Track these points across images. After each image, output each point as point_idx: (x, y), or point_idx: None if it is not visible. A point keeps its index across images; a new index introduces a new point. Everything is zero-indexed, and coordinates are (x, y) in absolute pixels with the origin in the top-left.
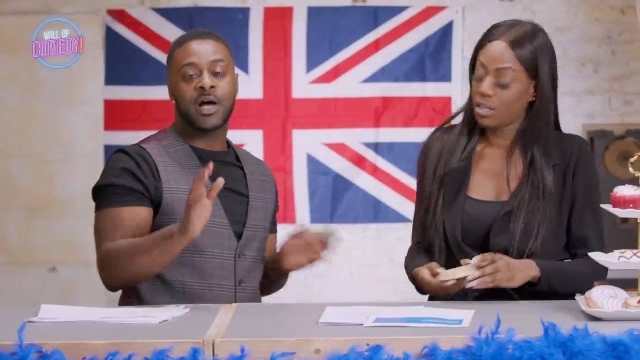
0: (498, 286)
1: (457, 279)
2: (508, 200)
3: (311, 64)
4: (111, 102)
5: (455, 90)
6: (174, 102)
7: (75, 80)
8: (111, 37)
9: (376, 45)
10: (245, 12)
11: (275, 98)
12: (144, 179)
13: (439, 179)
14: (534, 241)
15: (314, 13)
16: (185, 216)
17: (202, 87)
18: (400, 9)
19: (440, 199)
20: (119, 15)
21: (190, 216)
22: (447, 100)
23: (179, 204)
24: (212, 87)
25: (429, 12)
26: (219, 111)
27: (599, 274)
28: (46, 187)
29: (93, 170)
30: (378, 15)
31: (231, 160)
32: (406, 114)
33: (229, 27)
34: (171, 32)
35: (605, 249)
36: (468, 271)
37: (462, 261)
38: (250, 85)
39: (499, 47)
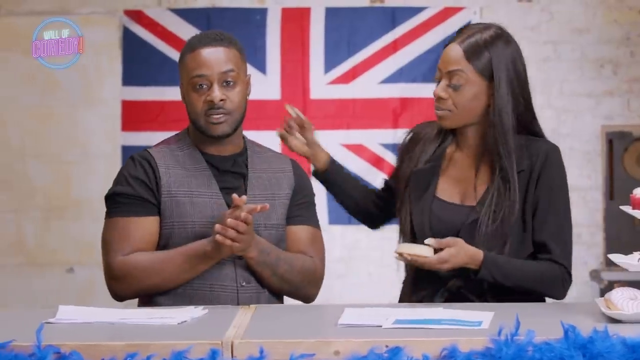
0: (441, 270)
1: (411, 256)
2: (475, 206)
3: (329, 65)
4: (129, 103)
5: None
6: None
7: (93, 80)
8: (128, 37)
9: (394, 46)
10: (262, 12)
11: (293, 99)
12: (150, 185)
13: (407, 177)
14: (501, 248)
15: (331, 14)
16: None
17: (211, 101)
18: (418, 10)
19: (407, 196)
20: (136, 15)
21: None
22: None
23: (177, 206)
24: (222, 100)
25: (446, 13)
26: (228, 120)
27: (557, 280)
28: (63, 188)
29: (110, 171)
30: (396, 16)
31: (238, 164)
32: (424, 114)
33: (246, 28)
34: (189, 32)
35: (569, 257)
36: (424, 251)
37: (425, 241)
38: (268, 86)
39: (451, 51)
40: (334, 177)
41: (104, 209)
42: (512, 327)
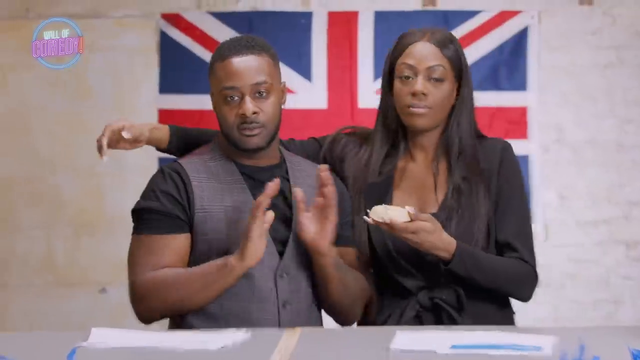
0: (406, 240)
1: (386, 223)
2: (437, 212)
3: (378, 72)
4: (166, 112)
5: (531, 100)
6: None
7: (127, 87)
8: (166, 42)
9: None
10: (307, 16)
11: (341, 108)
12: (181, 201)
13: (359, 192)
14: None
15: (381, 18)
16: (242, 245)
17: (243, 114)
18: (472, 14)
19: (362, 208)
20: (174, 19)
21: (247, 247)
22: (523, 111)
23: (210, 221)
24: (254, 113)
25: (503, 17)
26: (262, 133)
27: (528, 278)
28: (95, 203)
29: (145, 184)
30: (449, 20)
31: (279, 175)
32: (479, 125)
33: (291, 32)
34: (229, 36)
35: (533, 255)
36: (399, 216)
37: (407, 207)
38: (314, 94)
39: (426, 47)
40: None
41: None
42: (575, 351)
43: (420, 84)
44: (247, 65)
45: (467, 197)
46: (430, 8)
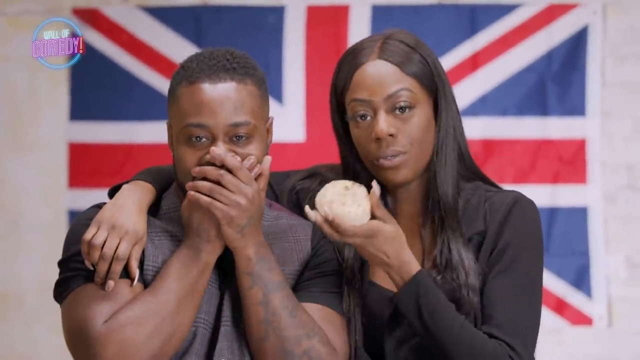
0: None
1: (328, 221)
2: None
3: None
4: (79, 147)
5: (592, 130)
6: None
7: (25, 112)
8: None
9: (474, 62)
10: (279, 12)
11: (323, 140)
12: None
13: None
14: None
15: (380, 14)
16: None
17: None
18: (508, 9)
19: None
20: (91, 17)
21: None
22: (581, 144)
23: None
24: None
25: (552, 13)
26: None
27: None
28: None
29: (51, 249)
30: (477, 18)
31: None
32: (518, 164)
33: (255, 36)
34: (169, 42)
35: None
36: (351, 213)
37: (374, 183)
38: (287, 122)
39: (379, 68)
40: None
41: (41, 305)
42: None
43: (382, 123)
44: (224, 98)
45: (455, 275)
46: (449, 2)
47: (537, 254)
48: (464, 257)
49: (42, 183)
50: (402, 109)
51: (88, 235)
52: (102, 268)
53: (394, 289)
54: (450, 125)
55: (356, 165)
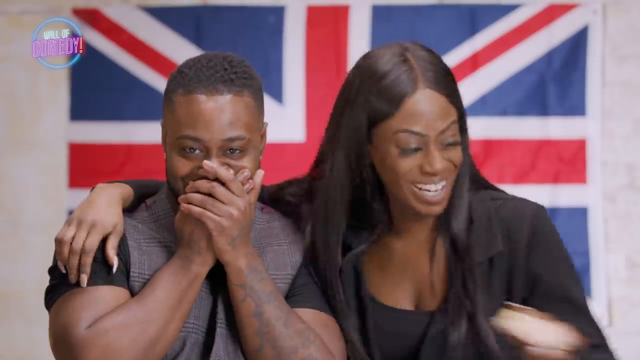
0: None
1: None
2: (439, 311)
3: None
4: (79, 147)
5: (592, 130)
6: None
7: (26, 112)
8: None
9: (474, 62)
10: (279, 13)
11: None
12: (118, 253)
13: (328, 271)
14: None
15: (380, 14)
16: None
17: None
18: (508, 9)
19: (342, 302)
20: (91, 17)
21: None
22: (581, 144)
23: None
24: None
25: (552, 13)
26: None
27: None
28: None
29: (51, 249)
30: (477, 18)
31: None
32: (519, 164)
33: (255, 36)
34: (169, 42)
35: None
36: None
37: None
38: (287, 122)
39: (431, 99)
40: None
41: (41, 305)
42: None
43: (437, 160)
44: (220, 111)
45: (473, 298)
46: (449, 2)
47: (571, 267)
48: (480, 310)
49: (42, 183)
50: (450, 144)
51: (59, 234)
52: (73, 262)
53: (403, 307)
54: (467, 148)
55: (370, 186)
